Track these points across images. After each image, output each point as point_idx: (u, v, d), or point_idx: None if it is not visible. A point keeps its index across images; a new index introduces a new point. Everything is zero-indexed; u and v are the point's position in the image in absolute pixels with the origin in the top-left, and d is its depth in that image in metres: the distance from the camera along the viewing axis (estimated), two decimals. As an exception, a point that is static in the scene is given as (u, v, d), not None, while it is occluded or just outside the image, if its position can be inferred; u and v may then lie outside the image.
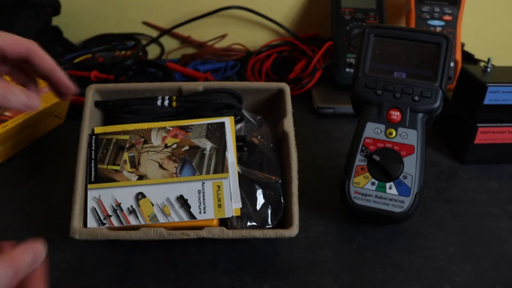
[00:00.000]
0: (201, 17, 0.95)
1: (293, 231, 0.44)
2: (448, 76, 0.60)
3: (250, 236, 0.44)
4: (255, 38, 1.00)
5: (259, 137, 0.52)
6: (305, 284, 0.44)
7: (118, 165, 0.46)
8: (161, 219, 0.44)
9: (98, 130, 0.49)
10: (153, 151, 0.47)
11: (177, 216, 0.44)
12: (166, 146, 0.47)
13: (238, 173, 0.48)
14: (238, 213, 0.45)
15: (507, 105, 0.59)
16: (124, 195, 0.45)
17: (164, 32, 0.97)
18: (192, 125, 0.48)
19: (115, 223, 0.44)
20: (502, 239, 0.50)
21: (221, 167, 0.46)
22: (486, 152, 0.62)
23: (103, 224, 0.44)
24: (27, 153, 0.64)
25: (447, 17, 0.83)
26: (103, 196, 0.45)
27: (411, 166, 0.49)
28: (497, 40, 1.07)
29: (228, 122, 0.48)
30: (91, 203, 0.45)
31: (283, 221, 0.47)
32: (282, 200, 0.48)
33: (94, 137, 0.48)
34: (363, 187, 0.49)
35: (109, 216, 0.45)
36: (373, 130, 0.51)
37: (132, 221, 0.44)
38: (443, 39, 0.52)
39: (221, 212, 0.44)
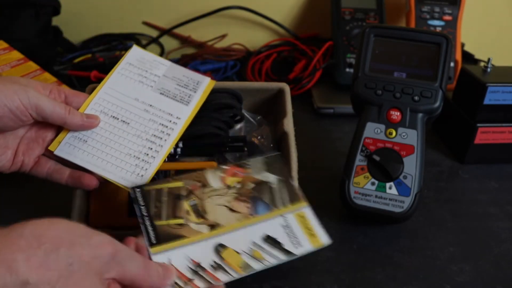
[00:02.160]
0: (201, 17, 0.95)
1: (294, 231, 0.44)
2: (448, 76, 0.60)
3: (251, 237, 0.44)
4: (255, 38, 1.00)
5: (259, 137, 0.52)
6: (305, 284, 0.44)
7: (181, 217, 0.40)
8: (256, 265, 0.38)
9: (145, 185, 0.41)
10: (216, 195, 0.41)
11: (273, 257, 0.38)
12: (229, 187, 0.42)
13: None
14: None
15: (507, 105, 0.59)
16: (200, 251, 0.38)
17: (164, 32, 0.97)
18: (248, 161, 0.45)
19: (202, 285, 0.36)
20: (502, 239, 0.50)
21: (295, 196, 0.43)
22: (486, 152, 0.62)
23: None
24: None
25: (447, 17, 0.83)
26: (174, 258, 0.37)
27: (411, 166, 0.49)
28: (497, 40, 1.07)
29: (279, 157, 0.45)
30: None
31: (283, 221, 0.47)
32: (282, 200, 0.48)
33: (138, 190, 0.40)
34: (363, 187, 0.49)
35: (191, 280, 0.36)
36: (373, 130, 0.51)
37: (223, 277, 0.36)
38: (443, 39, 0.52)
39: (317, 240, 0.41)
